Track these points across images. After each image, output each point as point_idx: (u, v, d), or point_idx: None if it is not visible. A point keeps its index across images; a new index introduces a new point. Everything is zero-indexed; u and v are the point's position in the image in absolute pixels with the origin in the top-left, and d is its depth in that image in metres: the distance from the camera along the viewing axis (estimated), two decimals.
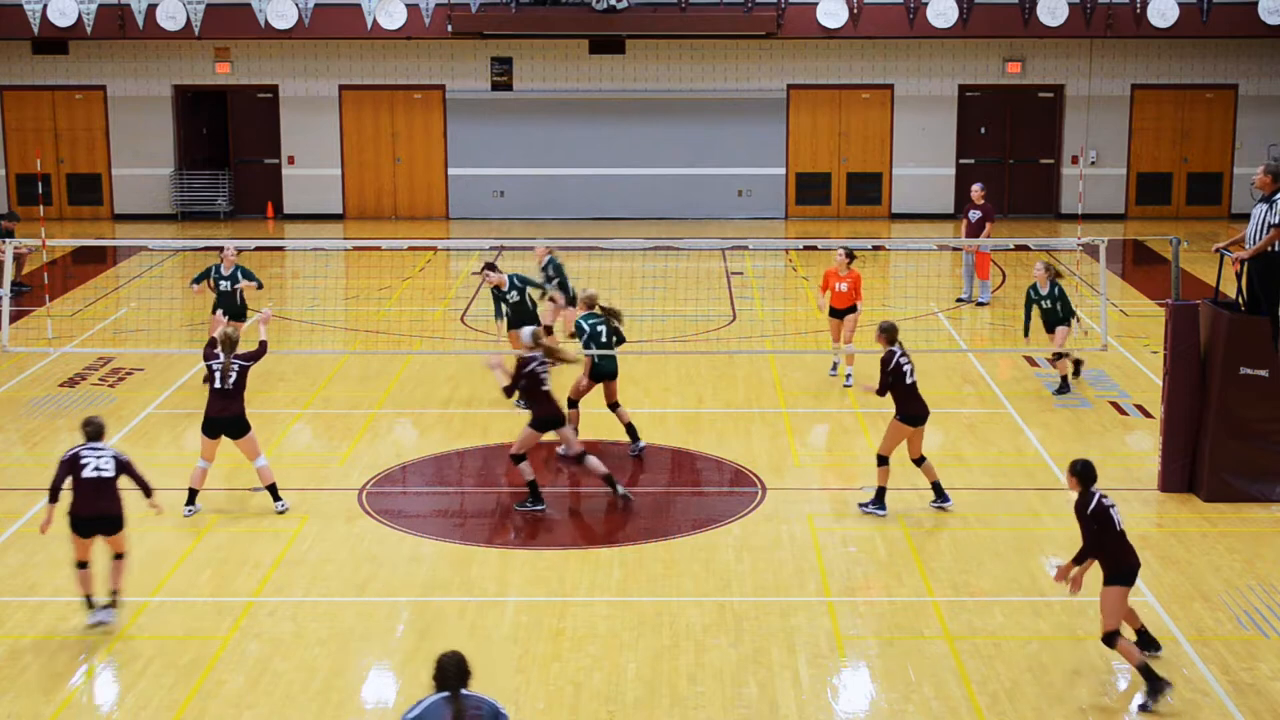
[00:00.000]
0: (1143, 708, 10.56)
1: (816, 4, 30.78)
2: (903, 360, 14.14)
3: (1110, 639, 10.68)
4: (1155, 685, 10.57)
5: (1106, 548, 10.70)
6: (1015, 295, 24.31)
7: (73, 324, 22.20)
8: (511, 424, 17.45)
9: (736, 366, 19.65)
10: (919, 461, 14.52)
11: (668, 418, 17.64)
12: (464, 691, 8.26)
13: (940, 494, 14.54)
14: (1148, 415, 17.55)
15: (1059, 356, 18.56)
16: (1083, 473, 10.80)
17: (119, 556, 11.90)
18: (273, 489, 14.29)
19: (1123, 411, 17.88)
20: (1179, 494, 14.87)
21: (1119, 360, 20.01)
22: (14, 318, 18.77)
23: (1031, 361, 20.08)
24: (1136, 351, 20.50)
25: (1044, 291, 18.47)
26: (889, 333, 14.24)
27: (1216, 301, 14.99)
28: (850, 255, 18.80)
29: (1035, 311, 18.60)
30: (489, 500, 15.22)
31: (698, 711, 10.61)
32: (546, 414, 14.39)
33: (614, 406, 16.10)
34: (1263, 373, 14.59)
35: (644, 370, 19.64)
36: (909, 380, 14.15)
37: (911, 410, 14.19)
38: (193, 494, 14.23)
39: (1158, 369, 17.07)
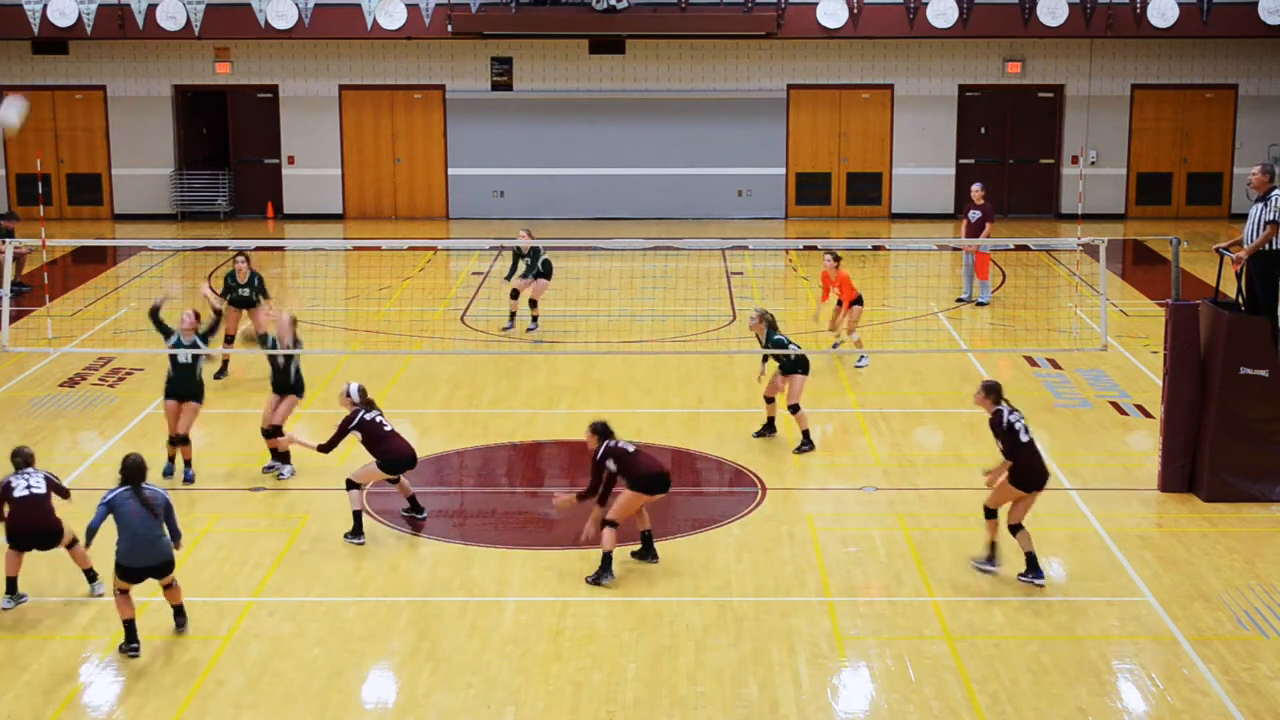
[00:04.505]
0: (978, 565, 12.93)
1: (816, 4, 30.77)
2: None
3: (988, 512, 12.87)
4: (993, 559, 12.91)
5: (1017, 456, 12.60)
6: (1015, 295, 24.33)
7: (73, 324, 22.20)
8: (513, 424, 17.48)
9: (736, 366, 19.64)
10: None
11: (668, 418, 17.64)
12: (144, 485, 11.46)
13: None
14: (1148, 415, 17.55)
15: (795, 409, 16.21)
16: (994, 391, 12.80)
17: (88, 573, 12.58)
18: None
19: (1123, 411, 17.88)
20: (1179, 494, 14.87)
21: (1119, 360, 20.01)
22: (14, 318, 18.75)
23: (1031, 361, 20.08)
24: (1136, 351, 20.50)
25: (762, 340, 16.33)
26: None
27: (1216, 301, 14.99)
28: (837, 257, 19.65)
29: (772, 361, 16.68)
30: (489, 500, 15.23)
31: (698, 711, 10.61)
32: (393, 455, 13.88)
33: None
34: (1263, 373, 14.59)
35: (644, 370, 19.64)
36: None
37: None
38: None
39: (1158, 369, 17.06)
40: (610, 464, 12.74)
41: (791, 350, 16.20)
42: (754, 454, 16.20)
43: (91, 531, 11.55)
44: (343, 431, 13.83)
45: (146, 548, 11.34)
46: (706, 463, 16.09)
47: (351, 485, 13.82)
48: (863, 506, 14.68)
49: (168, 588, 11.71)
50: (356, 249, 28.96)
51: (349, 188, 32.81)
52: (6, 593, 12.32)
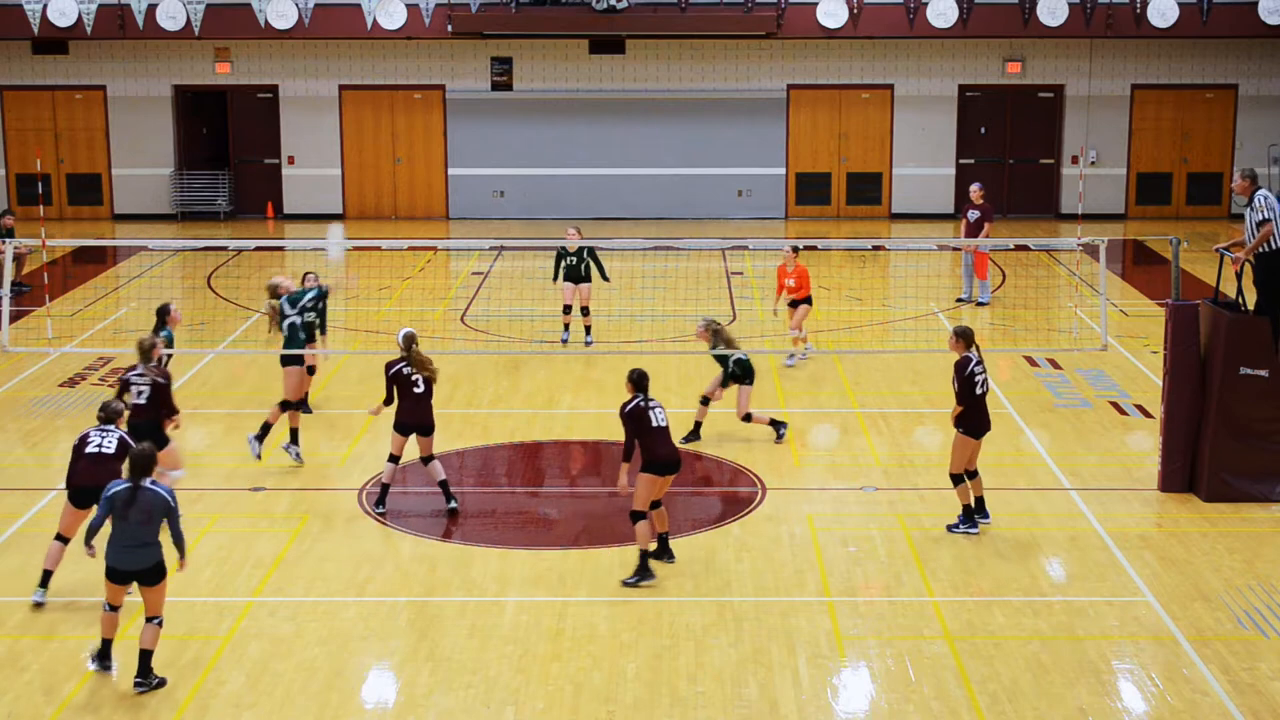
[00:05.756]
0: (951, 528, 13.68)
1: (816, 4, 30.77)
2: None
3: (955, 479, 13.68)
4: (971, 520, 13.61)
5: (969, 403, 13.48)
6: (1015, 295, 24.33)
7: (73, 324, 22.20)
8: (513, 424, 17.49)
9: None
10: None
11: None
12: (147, 482, 10.89)
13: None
14: (1148, 415, 17.55)
15: (748, 418, 16.61)
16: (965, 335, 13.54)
17: None
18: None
19: (1123, 411, 17.88)
20: (1179, 494, 14.87)
21: (1119, 360, 20.01)
22: (14, 318, 18.76)
23: (1031, 361, 20.08)
24: (1136, 351, 20.50)
25: (711, 347, 16.50)
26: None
27: (1216, 301, 14.99)
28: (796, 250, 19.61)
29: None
30: (489, 500, 15.23)
31: (698, 711, 10.61)
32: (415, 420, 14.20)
33: None
34: (1263, 373, 14.59)
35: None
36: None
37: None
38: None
39: (1158, 369, 17.07)
40: (630, 425, 12.74)
41: (735, 356, 16.29)
42: (754, 454, 16.20)
43: (91, 530, 11.05)
44: (387, 381, 14.23)
45: (129, 551, 10.83)
46: (706, 463, 16.09)
47: (392, 458, 14.28)
48: (863, 506, 14.68)
49: (149, 620, 10.91)
50: (356, 249, 28.95)
51: (349, 188, 32.82)
52: (40, 585, 12.32)
